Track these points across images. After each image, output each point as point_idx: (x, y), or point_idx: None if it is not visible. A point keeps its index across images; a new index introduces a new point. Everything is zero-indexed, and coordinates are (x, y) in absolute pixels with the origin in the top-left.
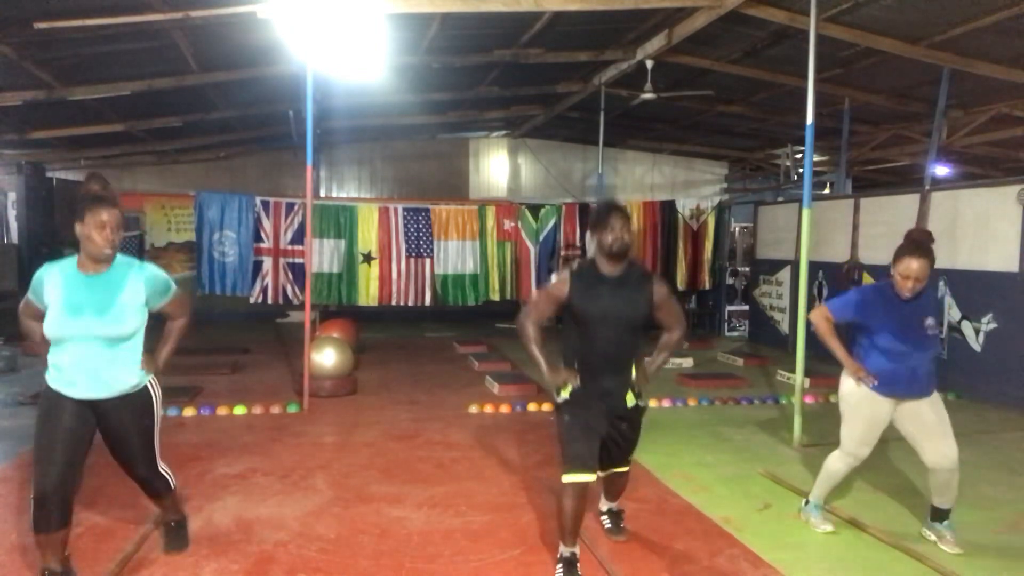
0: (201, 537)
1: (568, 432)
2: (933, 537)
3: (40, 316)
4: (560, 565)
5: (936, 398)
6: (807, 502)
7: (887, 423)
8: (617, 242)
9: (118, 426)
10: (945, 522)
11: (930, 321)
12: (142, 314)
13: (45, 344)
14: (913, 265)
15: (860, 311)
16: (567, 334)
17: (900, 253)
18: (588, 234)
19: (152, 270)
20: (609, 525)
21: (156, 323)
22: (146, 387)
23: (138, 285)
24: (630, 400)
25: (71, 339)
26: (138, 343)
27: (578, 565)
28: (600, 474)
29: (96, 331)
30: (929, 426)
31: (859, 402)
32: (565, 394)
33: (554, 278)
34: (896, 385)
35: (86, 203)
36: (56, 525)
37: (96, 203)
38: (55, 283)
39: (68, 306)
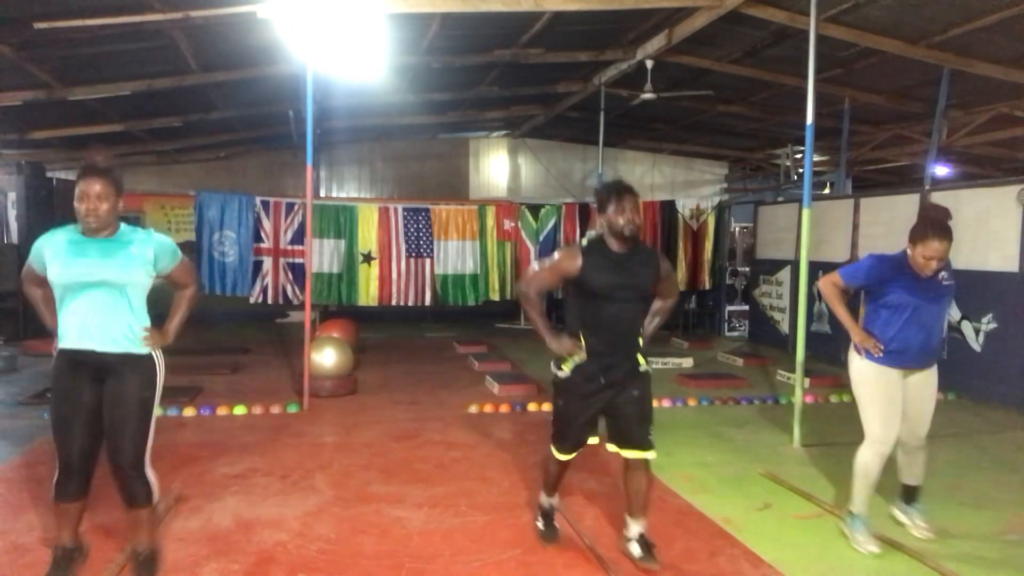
0: (201, 537)
1: (562, 413)
2: (904, 519)
3: (40, 280)
4: (540, 518)
5: (934, 374)
6: (850, 514)
7: (902, 397)
8: (629, 224)
9: (120, 388)
10: (915, 504)
11: (944, 273)
12: (148, 271)
13: (51, 309)
14: (936, 245)
15: (874, 274)
16: (572, 307)
17: (922, 234)
18: (600, 203)
19: (159, 236)
20: (640, 554)
21: (161, 310)
22: (151, 355)
23: (146, 245)
24: (643, 363)
25: (77, 286)
26: (142, 306)
27: (555, 516)
28: (616, 450)
29: (102, 273)
30: (916, 405)
31: (871, 380)
32: (567, 369)
33: (559, 252)
34: (906, 353)
35: (79, 173)
36: (75, 494)
37: (83, 173)
38: (58, 244)
39: (75, 252)
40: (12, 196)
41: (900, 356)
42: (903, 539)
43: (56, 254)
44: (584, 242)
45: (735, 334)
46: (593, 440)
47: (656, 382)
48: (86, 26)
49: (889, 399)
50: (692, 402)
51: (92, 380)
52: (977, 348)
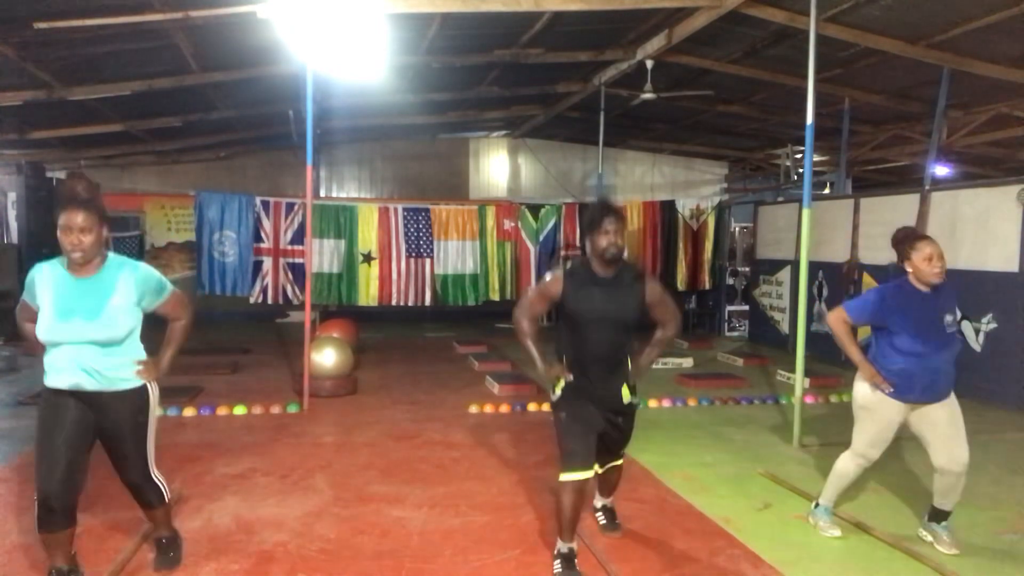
0: (201, 537)
1: (566, 431)
2: (930, 538)
3: (34, 317)
4: (558, 561)
5: (952, 400)
6: (816, 504)
7: (899, 426)
8: (612, 247)
9: (113, 422)
10: (944, 523)
11: (948, 318)
12: (135, 315)
13: (42, 347)
14: (927, 246)
15: (878, 311)
16: (561, 331)
17: (909, 243)
18: (584, 233)
19: (144, 270)
20: (604, 522)
21: (158, 325)
22: (144, 385)
23: (129, 285)
24: (626, 396)
25: (63, 343)
26: (134, 342)
27: (576, 561)
28: (599, 470)
29: (88, 335)
30: (941, 428)
31: (873, 407)
32: (558, 391)
33: (548, 276)
34: (913, 390)
35: (60, 204)
36: (61, 526)
37: (66, 205)
38: (46, 284)
39: (58, 311)
40: (12, 196)
41: (907, 393)
42: (903, 538)
43: (42, 304)
44: (568, 265)
45: (735, 334)
46: (596, 468)
47: (656, 382)
48: (86, 26)
49: (883, 427)
50: (692, 402)
51: (80, 410)
52: (977, 348)
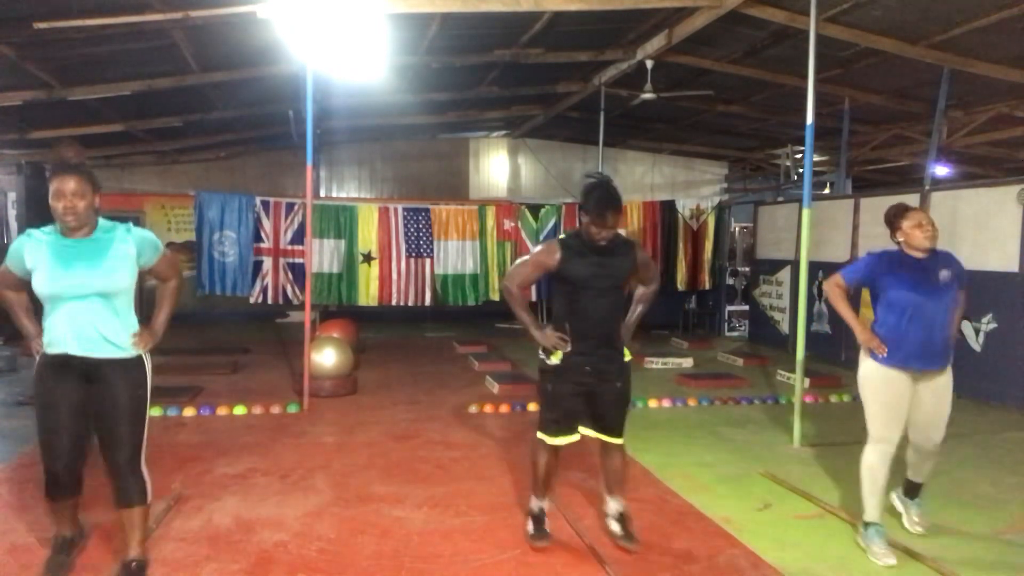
0: (201, 537)
1: (550, 400)
2: (901, 508)
3: (17, 284)
4: (530, 520)
5: (947, 381)
6: (865, 526)
7: (909, 399)
8: (607, 238)
9: (111, 395)
10: (916, 499)
11: (945, 273)
12: (133, 269)
13: (28, 315)
14: (919, 215)
15: (871, 270)
16: (557, 300)
17: (899, 213)
18: (583, 202)
19: (138, 229)
20: (619, 531)
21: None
22: (140, 356)
23: (126, 241)
24: (627, 354)
25: (65, 295)
26: (129, 308)
27: (546, 521)
28: (591, 435)
29: (91, 283)
30: (926, 411)
31: (877, 383)
32: (556, 359)
33: (542, 246)
34: (907, 350)
35: (51, 171)
36: (67, 494)
37: (58, 171)
38: (39, 247)
39: (60, 261)
40: (12, 196)
41: (902, 355)
42: (915, 545)
43: (39, 262)
44: (563, 235)
45: (735, 334)
46: (578, 435)
47: (656, 382)
48: (86, 26)
49: (892, 402)
50: (692, 402)
51: (77, 381)
52: (977, 348)
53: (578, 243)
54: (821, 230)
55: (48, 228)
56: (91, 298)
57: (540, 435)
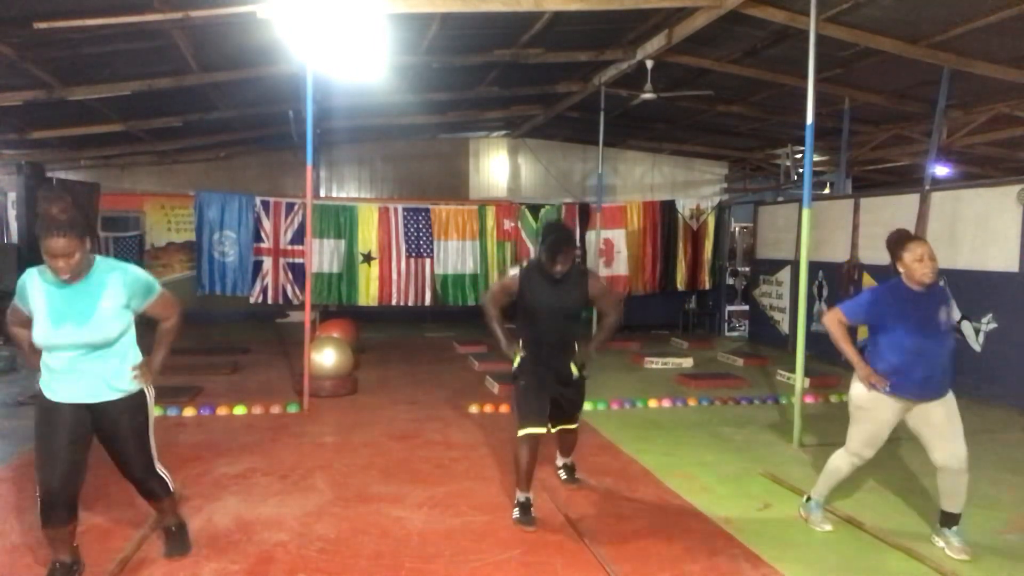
0: (201, 537)
1: (523, 396)
2: (942, 544)
3: (27, 322)
4: (517, 508)
5: (950, 398)
6: (808, 499)
7: (894, 426)
8: (560, 273)
9: (112, 426)
10: (954, 528)
11: (944, 315)
12: (125, 317)
13: (34, 351)
14: (918, 247)
15: (873, 310)
16: (519, 319)
17: (901, 243)
18: (540, 240)
19: (133, 272)
20: (565, 477)
21: (151, 327)
22: (141, 390)
23: (117, 288)
24: (574, 372)
25: (61, 347)
26: (128, 345)
27: (532, 508)
28: (552, 430)
29: (79, 340)
30: (939, 426)
31: (869, 407)
32: (517, 361)
33: (508, 273)
34: (910, 386)
35: (40, 228)
36: (63, 521)
37: (46, 231)
38: (38, 291)
39: (51, 316)
40: (12, 196)
41: (903, 390)
42: (915, 546)
43: (36, 310)
44: (524, 264)
45: (735, 334)
46: (545, 429)
47: (656, 382)
48: (86, 26)
49: (878, 427)
50: (692, 402)
51: (76, 412)
52: (977, 348)
53: (537, 272)
54: (821, 230)
55: (44, 268)
56: (83, 349)
57: (520, 431)
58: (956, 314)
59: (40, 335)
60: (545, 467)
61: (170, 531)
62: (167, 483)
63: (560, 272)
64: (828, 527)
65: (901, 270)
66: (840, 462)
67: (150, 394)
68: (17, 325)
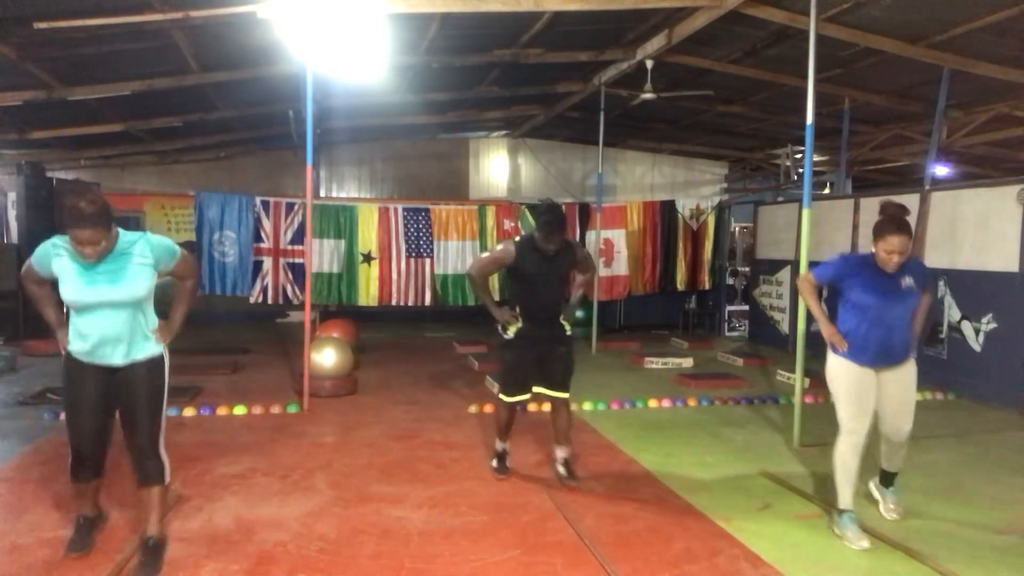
0: (201, 537)
1: (508, 368)
2: (877, 496)
3: (42, 282)
4: (495, 459)
5: (909, 369)
6: (839, 513)
7: (875, 391)
8: (553, 250)
9: (133, 383)
10: (891, 488)
11: (907, 279)
12: (151, 277)
13: (50, 305)
14: (895, 240)
15: (839, 271)
16: (512, 289)
17: (881, 230)
18: (536, 220)
19: (155, 237)
20: (564, 473)
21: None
22: (160, 351)
23: (144, 251)
24: (568, 328)
25: (91, 305)
26: (150, 310)
27: (508, 458)
28: (543, 392)
29: (114, 297)
30: (893, 403)
31: (843, 377)
32: (511, 332)
33: (500, 246)
34: (868, 349)
35: (68, 218)
36: (91, 476)
37: (74, 222)
38: (63, 261)
39: (83, 277)
40: (12, 196)
41: (863, 352)
42: (917, 546)
43: (64, 274)
44: (517, 239)
45: (735, 334)
46: (529, 394)
47: (656, 382)
48: (86, 26)
49: (858, 392)
50: (692, 402)
51: (102, 375)
52: (977, 348)
53: (530, 245)
54: (821, 230)
55: (67, 241)
56: (116, 306)
57: (501, 396)
58: (955, 313)
59: (72, 294)
60: (545, 467)
61: (147, 545)
62: (164, 469)
63: (553, 250)
64: (866, 544)
65: (873, 250)
66: (841, 449)
67: (167, 360)
68: (33, 283)
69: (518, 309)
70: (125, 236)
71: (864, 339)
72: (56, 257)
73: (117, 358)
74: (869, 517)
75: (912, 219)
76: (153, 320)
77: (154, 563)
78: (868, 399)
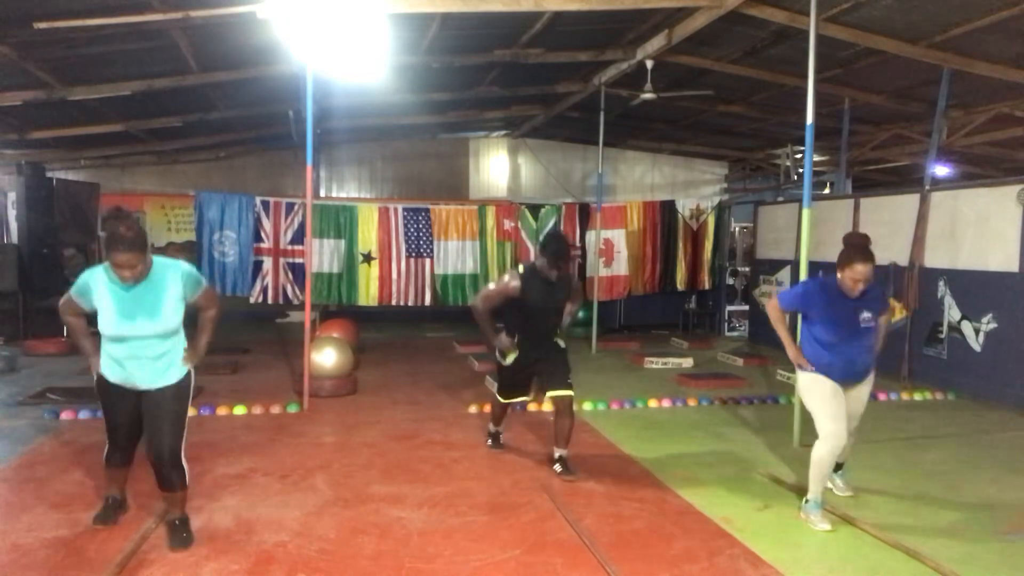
0: (201, 537)
1: (506, 375)
2: (828, 484)
3: (80, 313)
4: (489, 439)
5: (870, 382)
6: (806, 500)
7: (843, 393)
8: (556, 277)
9: (159, 402)
10: (839, 472)
11: (866, 315)
12: (181, 308)
13: (86, 336)
14: (860, 268)
15: (803, 301)
16: (513, 316)
17: (847, 259)
18: (542, 249)
19: (186, 268)
20: (560, 470)
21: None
22: (187, 376)
23: (176, 282)
24: (561, 343)
25: (128, 339)
26: (180, 333)
27: (501, 438)
28: (551, 395)
29: (152, 331)
30: (851, 410)
31: (812, 385)
32: (510, 359)
33: (507, 277)
34: (831, 374)
35: (108, 243)
36: (119, 465)
37: (114, 247)
38: (103, 291)
39: (121, 312)
40: (12, 196)
41: (829, 374)
42: (917, 546)
43: (103, 306)
44: (521, 269)
45: (735, 334)
46: (526, 395)
47: (656, 382)
48: (86, 26)
49: (830, 397)
50: (692, 402)
51: (132, 393)
52: (977, 348)
53: (534, 275)
54: (821, 230)
55: (108, 268)
56: (154, 338)
57: (498, 396)
58: (956, 313)
59: (111, 327)
60: (545, 467)
61: (174, 524)
62: (185, 476)
63: (556, 276)
64: (827, 526)
65: (839, 277)
66: (820, 451)
67: (192, 380)
68: (72, 315)
69: (516, 337)
70: (159, 261)
71: (828, 367)
72: (94, 284)
73: (147, 384)
74: (869, 516)
75: (912, 220)
76: (182, 344)
77: (183, 533)
78: (840, 401)
